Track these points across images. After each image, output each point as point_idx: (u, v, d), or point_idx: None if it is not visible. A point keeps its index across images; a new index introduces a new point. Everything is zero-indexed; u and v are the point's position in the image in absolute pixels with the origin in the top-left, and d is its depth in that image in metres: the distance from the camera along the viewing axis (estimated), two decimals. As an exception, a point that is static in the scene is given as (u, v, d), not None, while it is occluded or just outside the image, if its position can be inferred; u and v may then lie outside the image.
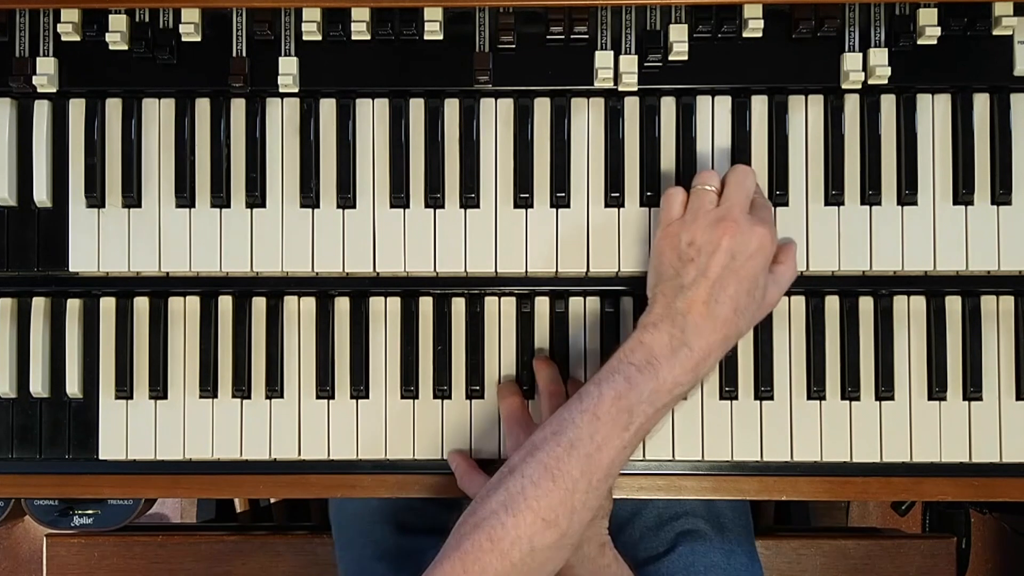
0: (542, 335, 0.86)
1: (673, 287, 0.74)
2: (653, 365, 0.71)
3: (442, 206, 0.84)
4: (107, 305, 0.86)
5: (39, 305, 0.86)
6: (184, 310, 0.86)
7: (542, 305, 0.86)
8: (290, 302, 0.86)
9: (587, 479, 0.69)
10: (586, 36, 0.83)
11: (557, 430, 0.70)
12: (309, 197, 0.84)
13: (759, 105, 0.84)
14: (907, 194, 0.83)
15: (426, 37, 0.84)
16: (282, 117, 0.85)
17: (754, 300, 0.75)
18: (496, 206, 0.84)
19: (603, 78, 0.83)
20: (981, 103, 0.84)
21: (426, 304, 0.86)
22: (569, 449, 0.69)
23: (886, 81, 0.83)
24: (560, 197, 0.84)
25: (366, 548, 0.99)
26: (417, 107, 0.85)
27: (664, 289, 0.74)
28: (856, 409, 0.84)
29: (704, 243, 0.73)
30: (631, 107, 0.84)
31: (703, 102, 0.84)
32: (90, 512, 1.11)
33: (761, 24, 0.82)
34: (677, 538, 0.93)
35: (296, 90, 0.84)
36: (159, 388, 0.85)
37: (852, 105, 0.84)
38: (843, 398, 0.84)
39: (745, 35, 0.83)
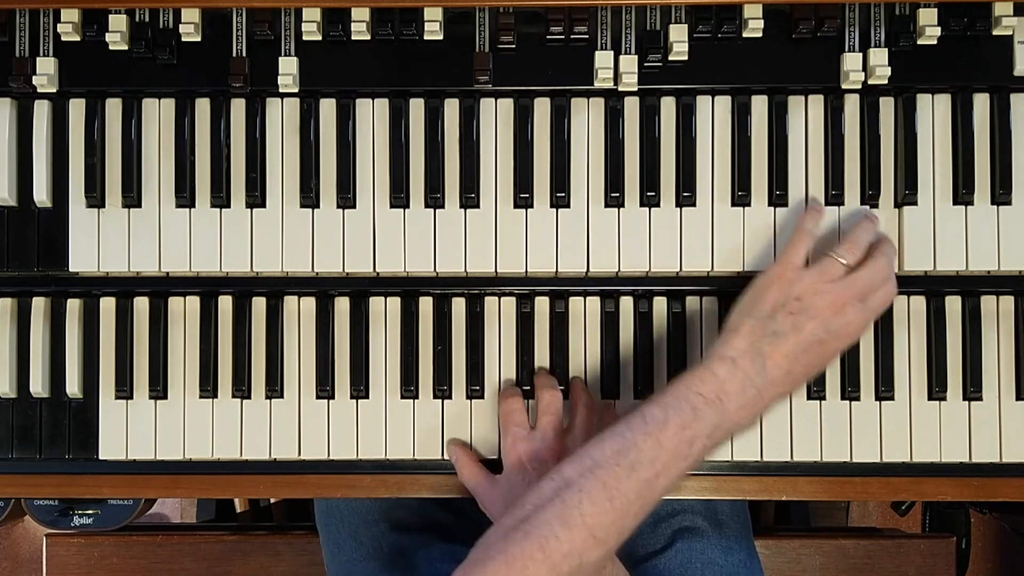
0: (542, 335, 0.86)
1: (764, 328, 0.74)
2: (722, 401, 0.72)
3: (442, 206, 0.84)
4: (107, 305, 0.86)
5: (39, 305, 0.86)
6: (184, 310, 0.86)
7: (542, 305, 0.86)
8: (290, 302, 0.86)
9: (641, 502, 0.70)
10: (586, 36, 0.83)
11: (620, 449, 0.70)
12: (309, 197, 0.84)
13: (759, 105, 0.84)
14: (907, 194, 0.83)
15: (426, 37, 0.84)
16: (282, 117, 0.85)
17: (820, 369, 0.78)
18: (496, 206, 0.84)
19: (603, 78, 0.83)
20: (981, 103, 0.84)
21: (426, 304, 0.86)
22: (629, 471, 0.69)
23: (886, 81, 0.83)
24: (560, 197, 0.84)
25: (356, 549, 0.99)
26: (417, 107, 0.85)
27: (755, 326, 0.75)
28: (856, 409, 0.84)
29: (810, 306, 0.74)
30: (631, 107, 0.84)
31: (703, 102, 0.84)
32: (90, 512, 1.11)
33: (761, 24, 0.82)
34: (674, 535, 0.93)
35: (296, 90, 0.84)
36: (159, 388, 0.85)
37: (852, 105, 0.84)
38: (843, 398, 0.84)
39: (745, 35, 0.83)
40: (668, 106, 0.85)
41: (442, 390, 0.85)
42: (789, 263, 0.77)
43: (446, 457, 0.85)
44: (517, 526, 0.68)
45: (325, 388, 0.85)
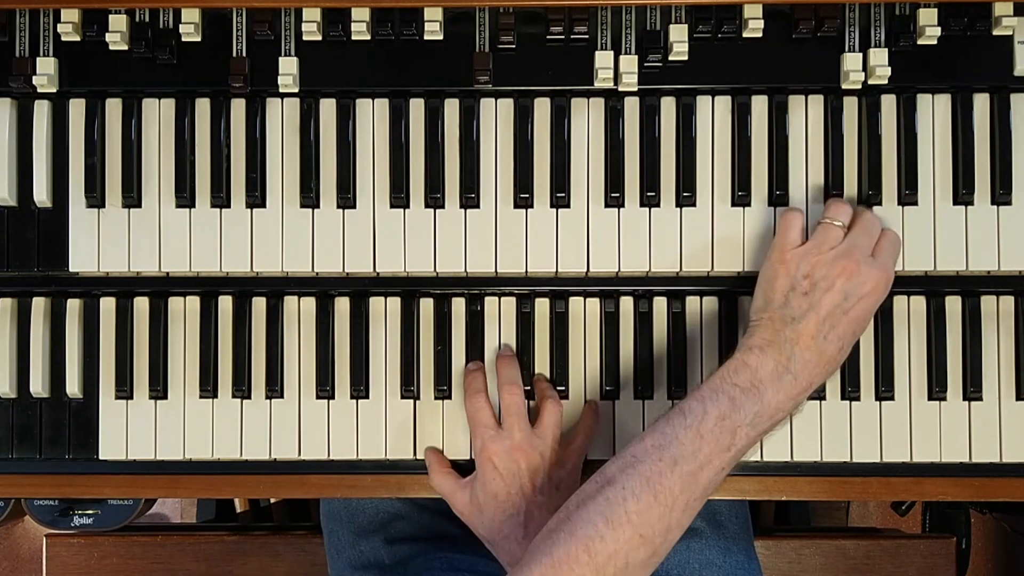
0: (542, 335, 0.86)
1: (782, 316, 0.74)
2: (758, 388, 0.71)
3: (442, 206, 0.84)
4: (107, 305, 0.86)
5: (39, 305, 0.86)
6: (184, 310, 0.86)
7: (542, 305, 0.86)
8: (290, 302, 0.86)
9: (686, 497, 0.69)
10: (586, 36, 0.83)
11: (660, 444, 0.69)
12: (309, 197, 0.84)
13: (759, 105, 0.84)
14: (907, 194, 0.83)
15: (426, 37, 0.84)
16: (282, 117, 0.85)
17: (854, 340, 0.76)
18: (496, 206, 0.84)
19: (603, 78, 0.83)
20: (981, 103, 0.84)
21: (426, 304, 0.86)
22: (672, 465, 0.68)
23: (886, 81, 0.82)
24: (560, 197, 0.84)
25: (356, 557, 0.99)
26: (417, 107, 0.85)
27: (772, 316, 0.74)
28: (856, 409, 0.84)
29: (820, 279, 0.73)
30: (631, 107, 0.84)
31: (703, 102, 0.84)
32: (90, 512, 1.11)
33: (761, 24, 0.82)
34: (673, 536, 0.93)
35: (296, 90, 0.84)
36: (159, 388, 0.85)
37: (852, 105, 0.84)
38: (843, 398, 0.84)
39: (745, 35, 0.83)
40: (668, 106, 0.84)
41: (442, 390, 0.85)
42: (786, 245, 0.77)
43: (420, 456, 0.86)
44: (560, 526, 0.67)
45: (325, 388, 0.85)
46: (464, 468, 0.85)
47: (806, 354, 0.72)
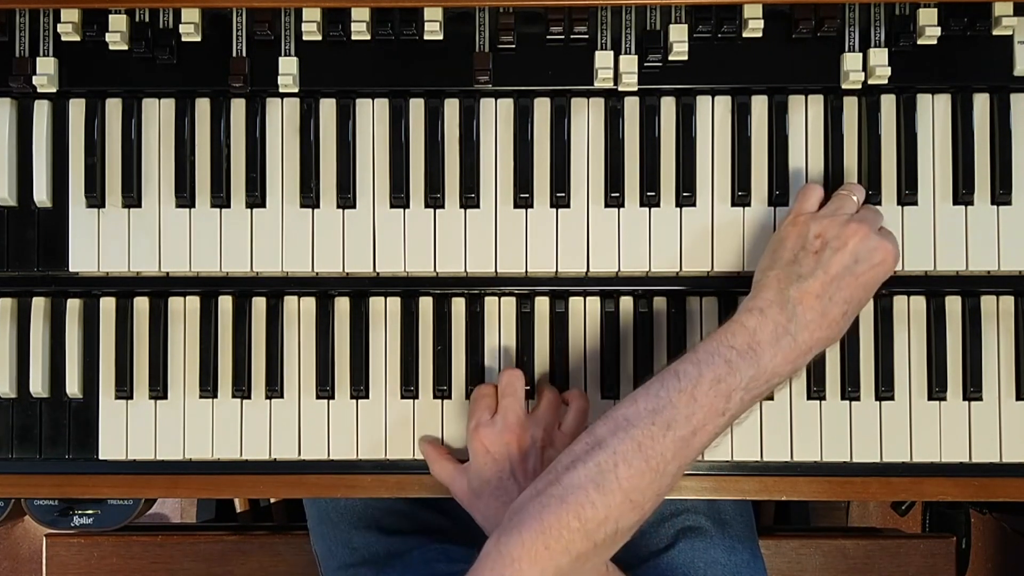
0: (542, 335, 0.86)
1: (789, 274, 0.73)
2: (755, 351, 0.70)
3: (442, 206, 0.84)
4: (107, 305, 0.86)
5: (39, 305, 0.86)
6: (184, 310, 0.86)
7: (542, 305, 0.86)
8: (290, 302, 0.86)
9: (677, 463, 0.67)
10: (586, 36, 0.83)
11: (654, 408, 0.68)
12: (309, 197, 0.84)
13: (759, 105, 0.84)
14: (907, 194, 0.83)
15: (426, 37, 0.84)
16: (282, 117, 0.85)
17: (858, 310, 0.75)
18: (496, 206, 0.84)
19: (603, 78, 0.83)
20: (981, 103, 0.84)
21: (426, 304, 0.86)
22: (665, 430, 0.67)
23: (886, 81, 0.83)
24: (560, 197, 0.84)
25: (349, 555, 0.98)
26: (417, 107, 0.85)
27: (779, 275, 0.73)
28: (856, 409, 0.84)
29: (832, 238, 0.73)
30: (631, 107, 0.84)
31: (703, 102, 0.84)
32: (90, 512, 1.11)
33: (761, 24, 0.82)
34: (678, 534, 0.93)
35: (296, 90, 0.84)
36: (159, 388, 0.85)
37: (852, 105, 0.84)
38: (843, 398, 0.84)
39: (745, 35, 0.83)
40: (668, 106, 0.85)
41: (442, 390, 0.85)
42: (801, 210, 0.77)
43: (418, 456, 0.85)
44: (549, 489, 0.66)
45: (325, 388, 0.85)
46: (464, 455, 0.84)
47: (808, 314, 0.71)
